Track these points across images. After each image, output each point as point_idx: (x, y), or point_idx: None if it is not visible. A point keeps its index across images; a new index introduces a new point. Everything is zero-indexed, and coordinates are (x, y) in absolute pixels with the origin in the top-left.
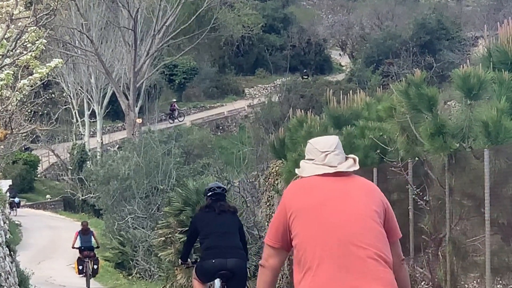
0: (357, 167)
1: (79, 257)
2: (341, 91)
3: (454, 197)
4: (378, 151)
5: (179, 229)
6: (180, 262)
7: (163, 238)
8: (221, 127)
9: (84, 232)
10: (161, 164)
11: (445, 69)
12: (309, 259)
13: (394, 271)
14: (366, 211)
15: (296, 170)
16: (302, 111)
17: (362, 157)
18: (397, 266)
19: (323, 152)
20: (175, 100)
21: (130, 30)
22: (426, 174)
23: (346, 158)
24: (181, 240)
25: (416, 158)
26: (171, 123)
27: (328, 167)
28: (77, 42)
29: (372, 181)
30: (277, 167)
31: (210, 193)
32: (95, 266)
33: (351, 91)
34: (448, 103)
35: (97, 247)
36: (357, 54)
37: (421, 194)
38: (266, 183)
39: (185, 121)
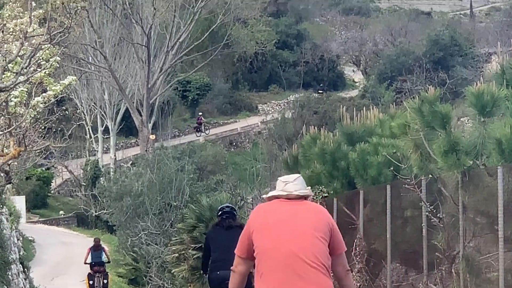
0: (310, 193)
1: (89, 273)
2: (354, 108)
3: (467, 214)
4: (392, 168)
5: (192, 245)
6: (202, 273)
7: (176, 255)
8: (234, 143)
9: (96, 248)
10: (175, 181)
11: (458, 85)
12: (264, 266)
13: (340, 280)
14: (311, 230)
15: (263, 196)
16: (316, 127)
17: (376, 174)
18: (343, 275)
19: (284, 182)
20: (201, 113)
21: (143, 46)
22: (439, 191)
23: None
24: (195, 256)
25: (430, 175)
26: (198, 136)
27: (284, 192)
28: (90, 58)
29: (386, 198)
30: None
31: (220, 212)
32: (105, 281)
33: (364, 108)
34: (462, 119)
35: (108, 262)
36: (370, 71)
37: (434, 211)
38: None
39: (211, 133)
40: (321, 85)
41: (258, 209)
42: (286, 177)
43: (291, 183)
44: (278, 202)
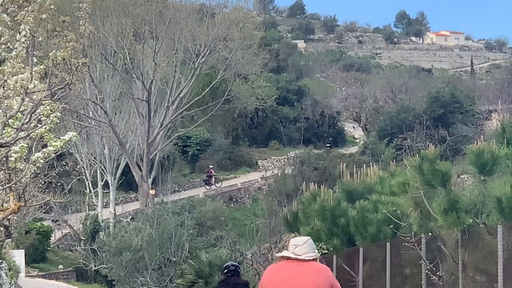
0: (316, 256)
1: None
2: (354, 164)
3: (467, 272)
4: (391, 225)
5: None
6: None
7: None
8: (234, 199)
9: None
10: (174, 236)
11: (458, 142)
12: None
13: None
14: (313, 286)
15: (276, 254)
16: (316, 184)
17: (375, 232)
18: None
19: (294, 245)
20: (211, 166)
21: (144, 101)
22: (439, 249)
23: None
24: None
25: (430, 233)
26: (207, 189)
27: (293, 255)
28: (91, 113)
29: (385, 255)
30: None
31: (226, 270)
32: None
33: (364, 165)
34: (462, 176)
35: None
36: (370, 127)
37: (434, 269)
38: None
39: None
40: (330, 139)
41: (270, 268)
42: (297, 240)
43: (300, 247)
44: (287, 263)
